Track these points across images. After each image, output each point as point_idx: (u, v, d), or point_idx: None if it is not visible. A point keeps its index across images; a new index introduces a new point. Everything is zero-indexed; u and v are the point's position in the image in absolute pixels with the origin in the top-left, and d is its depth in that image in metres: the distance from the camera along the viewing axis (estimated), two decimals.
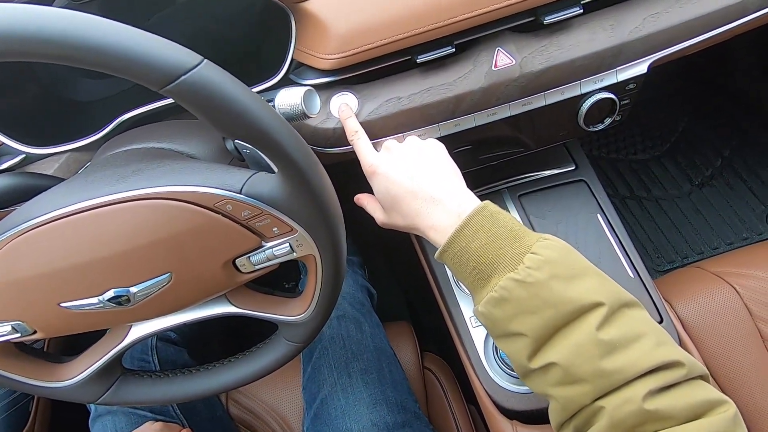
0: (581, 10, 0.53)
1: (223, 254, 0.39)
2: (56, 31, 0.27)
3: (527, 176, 0.72)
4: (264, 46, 0.59)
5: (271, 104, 0.46)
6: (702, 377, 0.38)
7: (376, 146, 0.54)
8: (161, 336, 0.72)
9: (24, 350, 0.46)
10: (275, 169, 0.38)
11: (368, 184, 0.53)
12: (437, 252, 0.45)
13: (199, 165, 0.40)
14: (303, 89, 0.46)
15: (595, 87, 0.57)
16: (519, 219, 0.67)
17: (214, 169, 0.39)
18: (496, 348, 0.60)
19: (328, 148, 0.57)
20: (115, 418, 0.61)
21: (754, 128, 1.22)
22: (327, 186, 0.38)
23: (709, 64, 1.26)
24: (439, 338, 0.82)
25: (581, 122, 0.59)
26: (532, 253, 0.40)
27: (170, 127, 0.52)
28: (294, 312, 0.46)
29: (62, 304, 0.39)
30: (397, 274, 1.14)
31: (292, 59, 0.55)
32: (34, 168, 0.57)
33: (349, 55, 0.51)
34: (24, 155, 0.55)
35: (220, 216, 0.38)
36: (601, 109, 0.59)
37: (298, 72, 0.56)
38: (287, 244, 0.40)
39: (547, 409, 0.42)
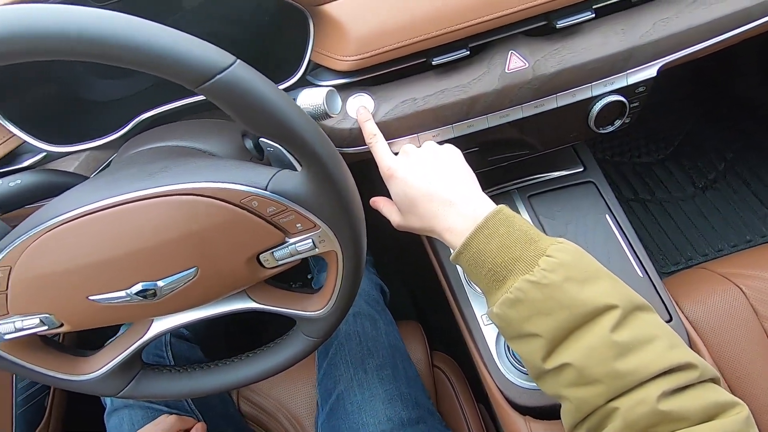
0: (593, 15, 0.55)
1: (247, 249, 0.40)
2: (102, 32, 0.28)
3: (536, 177, 0.73)
4: (279, 47, 0.60)
5: None
6: (714, 380, 0.38)
7: (391, 147, 0.55)
8: (175, 333, 0.73)
9: (48, 343, 0.47)
10: (298, 168, 0.39)
11: (381, 185, 0.54)
12: (453, 254, 0.46)
13: (224, 162, 0.41)
14: (325, 89, 0.47)
15: (605, 90, 0.58)
16: (529, 219, 0.68)
17: (240, 166, 0.40)
18: (508, 346, 0.61)
19: (344, 148, 0.58)
20: (132, 412, 0.62)
21: (757, 132, 1.23)
22: (351, 184, 0.40)
23: (712, 68, 1.27)
24: (446, 338, 0.82)
25: (591, 124, 0.61)
26: (546, 255, 0.41)
27: (190, 126, 0.53)
28: (313, 307, 0.47)
29: (90, 298, 0.40)
30: (404, 275, 1.15)
31: (309, 60, 0.56)
32: (55, 166, 0.58)
33: (367, 57, 0.53)
34: (45, 153, 0.56)
35: (246, 212, 0.39)
36: (611, 111, 0.60)
37: (314, 73, 0.57)
38: (310, 240, 0.41)
39: (559, 404, 0.43)
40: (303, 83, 0.57)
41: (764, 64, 1.19)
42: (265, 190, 0.38)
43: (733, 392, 0.62)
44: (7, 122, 0.54)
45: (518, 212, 0.63)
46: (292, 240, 0.41)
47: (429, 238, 0.72)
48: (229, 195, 0.38)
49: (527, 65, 0.55)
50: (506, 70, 0.55)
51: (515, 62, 0.55)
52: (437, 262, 0.70)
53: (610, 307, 0.39)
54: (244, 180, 0.38)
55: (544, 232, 0.58)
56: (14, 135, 0.55)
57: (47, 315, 0.41)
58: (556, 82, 0.56)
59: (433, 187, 0.48)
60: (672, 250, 1.15)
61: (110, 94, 0.62)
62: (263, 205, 0.38)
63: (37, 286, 0.39)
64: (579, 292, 0.39)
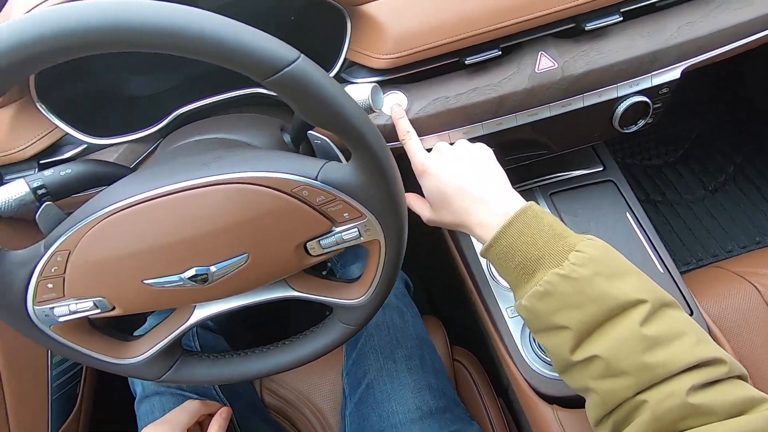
0: (621, 18, 0.56)
1: (296, 237, 0.42)
2: (179, 25, 0.30)
3: (558, 176, 0.75)
4: (315, 43, 0.62)
5: None
6: (741, 377, 0.38)
7: (423, 143, 0.56)
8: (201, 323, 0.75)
9: (96, 327, 0.48)
10: (343, 160, 0.40)
11: (409, 181, 0.55)
12: (483, 248, 0.48)
13: (274, 153, 0.43)
14: (370, 86, 0.49)
15: (630, 90, 0.60)
16: None
17: (290, 157, 0.42)
18: (533, 337, 0.62)
19: None
20: (163, 399, 0.63)
21: (766, 135, 1.25)
22: (398, 176, 0.41)
23: (722, 71, 1.29)
24: (463, 334, 0.84)
25: (616, 124, 0.62)
26: (576, 251, 0.42)
27: (232, 120, 0.55)
28: (352, 296, 0.49)
29: (145, 281, 0.42)
30: (421, 272, 1.16)
31: (345, 58, 0.58)
32: (94, 157, 0.59)
33: (403, 56, 0.54)
34: (86, 145, 0.58)
35: (296, 200, 0.40)
36: (636, 111, 0.61)
37: (349, 71, 0.59)
38: (356, 229, 0.42)
39: None
40: (337, 80, 0.59)
41: None
42: (316, 179, 0.40)
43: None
44: (51, 115, 0.56)
45: None
46: (338, 229, 0.43)
47: (453, 235, 0.74)
48: (281, 184, 0.40)
49: (556, 66, 0.57)
50: (536, 70, 0.57)
51: (545, 63, 0.57)
52: (461, 258, 0.72)
53: (639, 302, 0.39)
54: (296, 170, 0.40)
55: None
56: (57, 127, 0.56)
57: (101, 298, 0.43)
58: (584, 83, 0.58)
59: (466, 183, 0.50)
60: (682, 250, 1.16)
61: (146, 90, 0.64)
62: (313, 195, 0.40)
63: (95, 270, 0.41)
64: (608, 287, 0.40)
